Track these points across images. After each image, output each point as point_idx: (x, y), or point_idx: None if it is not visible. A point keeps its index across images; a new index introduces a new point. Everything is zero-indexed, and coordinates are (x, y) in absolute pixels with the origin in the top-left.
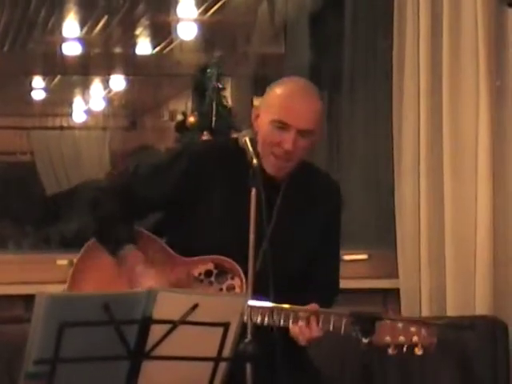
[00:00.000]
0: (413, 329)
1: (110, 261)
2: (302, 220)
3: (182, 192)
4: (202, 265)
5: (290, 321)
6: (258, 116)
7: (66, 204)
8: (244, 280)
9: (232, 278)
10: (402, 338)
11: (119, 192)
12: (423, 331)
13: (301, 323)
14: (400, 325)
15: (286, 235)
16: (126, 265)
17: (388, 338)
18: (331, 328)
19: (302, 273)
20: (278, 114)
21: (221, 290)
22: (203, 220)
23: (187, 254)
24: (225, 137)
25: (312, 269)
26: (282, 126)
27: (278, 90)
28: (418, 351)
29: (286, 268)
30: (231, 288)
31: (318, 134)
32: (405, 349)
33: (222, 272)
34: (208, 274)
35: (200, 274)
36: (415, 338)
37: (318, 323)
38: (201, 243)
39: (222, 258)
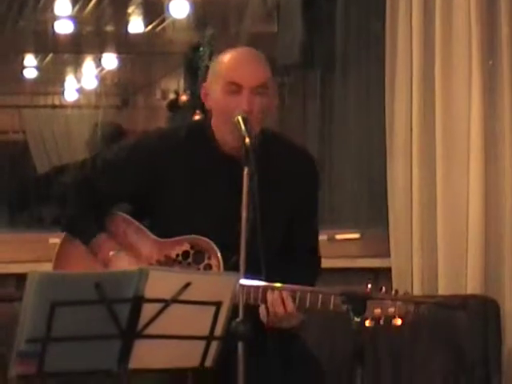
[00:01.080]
0: (388, 300)
1: (85, 250)
2: (277, 195)
3: (144, 183)
4: (179, 245)
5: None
6: (206, 94)
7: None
8: (221, 259)
9: (209, 258)
10: (377, 311)
11: (81, 188)
12: (399, 302)
13: (272, 297)
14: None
15: (262, 212)
16: (100, 253)
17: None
18: (319, 305)
19: (281, 248)
20: (228, 77)
21: (198, 270)
22: (175, 205)
23: (168, 236)
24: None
25: (292, 241)
26: (234, 89)
27: (222, 59)
28: (396, 322)
29: (266, 246)
30: (208, 268)
31: (273, 94)
32: (381, 321)
33: (198, 252)
34: (185, 254)
35: (177, 256)
36: (391, 310)
37: (293, 299)
38: (175, 228)
39: (197, 237)
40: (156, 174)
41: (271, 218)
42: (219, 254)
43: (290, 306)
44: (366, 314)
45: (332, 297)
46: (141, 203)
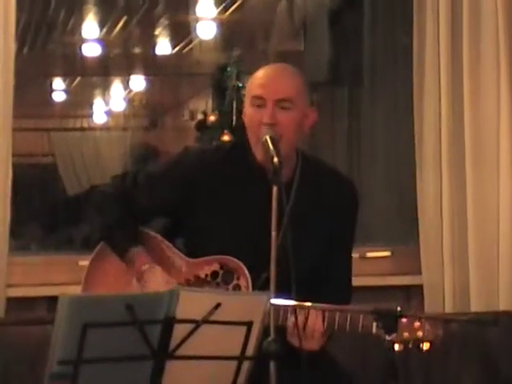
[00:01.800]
0: (417, 324)
1: (119, 263)
2: (314, 223)
3: (181, 200)
4: (208, 265)
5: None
6: (245, 112)
7: (85, 206)
8: (249, 280)
9: (238, 279)
10: (406, 334)
11: (120, 198)
12: (427, 325)
13: (299, 318)
14: (404, 320)
15: (297, 236)
16: (134, 267)
17: (393, 335)
18: (348, 327)
19: (314, 273)
20: (253, 91)
21: (227, 290)
22: (209, 224)
23: (200, 255)
24: (224, 142)
25: (324, 269)
26: (259, 103)
27: (254, 75)
28: (425, 346)
29: (296, 268)
30: (237, 288)
31: (304, 110)
32: (410, 345)
33: (227, 272)
34: (214, 274)
35: (207, 276)
36: (419, 333)
37: (323, 320)
38: (207, 247)
39: (227, 257)
40: (191, 191)
41: (306, 242)
42: (248, 275)
43: (319, 324)
44: (394, 338)
45: (361, 317)
46: (175, 219)
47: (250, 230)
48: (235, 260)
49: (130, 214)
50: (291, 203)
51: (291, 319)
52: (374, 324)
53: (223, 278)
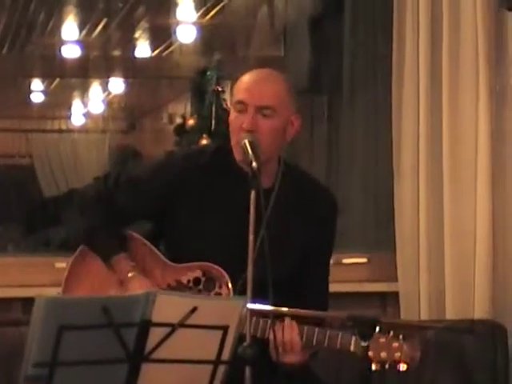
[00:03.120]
0: (395, 344)
1: (101, 266)
2: (292, 231)
3: (164, 202)
4: (191, 272)
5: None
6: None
7: (63, 208)
8: (231, 290)
9: (220, 287)
10: (383, 354)
11: (103, 201)
12: (405, 347)
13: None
14: (383, 340)
15: (275, 243)
16: (117, 272)
17: (371, 353)
18: (326, 343)
19: (289, 283)
20: (237, 95)
21: None
22: (191, 228)
23: (180, 261)
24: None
25: (301, 277)
26: (240, 107)
27: (240, 78)
28: (402, 367)
29: (274, 273)
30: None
31: (288, 117)
32: (387, 365)
33: (209, 279)
34: (196, 281)
35: (189, 282)
36: (397, 354)
37: (300, 333)
38: (188, 251)
39: (210, 265)
40: (175, 194)
41: (283, 248)
42: (230, 284)
43: (295, 337)
44: (372, 356)
45: (340, 335)
46: (159, 222)
47: (231, 233)
48: (218, 268)
49: (112, 217)
50: (269, 210)
51: (270, 335)
52: (353, 341)
53: (205, 286)
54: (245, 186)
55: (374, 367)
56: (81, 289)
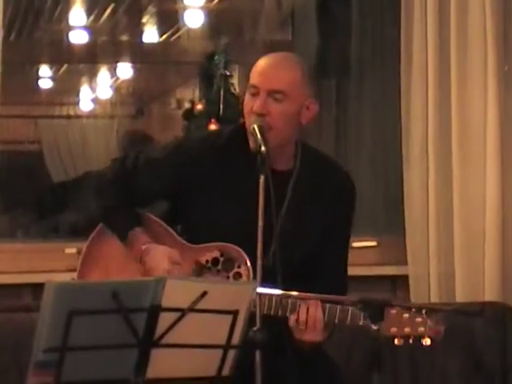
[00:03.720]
0: (419, 319)
1: (118, 246)
2: (311, 213)
3: (181, 184)
4: (209, 252)
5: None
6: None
7: (74, 192)
8: (251, 268)
9: (239, 267)
10: (407, 330)
11: (120, 181)
12: (429, 321)
13: (301, 312)
14: (406, 315)
15: (293, 227)
16: (133, 247)
17: (394, 329)
18: (336, 320)
19: (307, 265)
20: (251, 79)
21: (227, 278)
22: (207, 210)
23: (196, 243)
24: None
25: (318, 262)
26: (253, 91)
27: (257, 62)
28: (426, 342)
29: (291, 259)
30: (238, 276)
31: (301, 102)
32: (411, 340)
33: (228, 260)
34: (215, 261)
35: (207, 262)
36: (421, 329)
37: (323, 311)
38: (205, 233)
39: (228, 245)
40: (192, 177)
41: (303, 231)
42: (249, 263)
43: (320, 315)
44: (395, 332)
45: (361, 314)
46: (176, 204)
47: (247, 217)
48: (237, 248)
49: (129, 197)
50: (290, 193)
51: (292, 316)
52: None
53: (224, 266)
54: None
55: (396, 342)
56: (96, 271)
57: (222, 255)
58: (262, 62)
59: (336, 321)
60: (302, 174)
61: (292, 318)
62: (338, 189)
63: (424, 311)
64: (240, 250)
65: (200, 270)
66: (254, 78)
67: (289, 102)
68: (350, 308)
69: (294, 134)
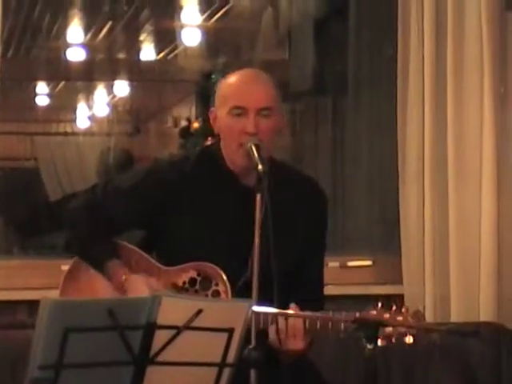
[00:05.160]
0: (400, 318)
1: (95, 279)
2: (285, 228)
3: (152, 210)
4: (185, 273)
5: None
6: (215, 117)
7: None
8: (228, 285)
9: (216, 285)
10: (389, 329)
11: (91, 211)
12: (410, 319)
13: (280, 320)
14: (387, 315)
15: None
16: (114, 278)
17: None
18: (318, 326)
19: (286, 278)
20: (233, 100)
21: (206, 296)
22: (181, 232)
23: (174, 265)
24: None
25: (298, 272)
26: (239, 112)
27: (227, 81)
28: (409, 340)
29: (269, 273)
30: (216, 294)
31: (280, 116)
32: (394, 339)
33: (205, 279)
34: (192, 282)
35: (184, 283)
36: (402, 328)
37: (304, 323)
38: (184, 256)
39: (203, 263)
40: (165, 202)
41: (282, 247)
42: (226, 280)
43: (299, 321)
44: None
45: (342, 324)
46: (150, 231)
47: (225, 235)
48: (212, 266)
49: (102, 227)
50: (263, 209)
51: (273, 325)
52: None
53: (201, 285)
54: (234, 186)
55: (379, 343)
56: (79, 294)
57: (198, 274)
58: (240, 82)
59: (317, 327)
60: (274, 188)
61: (272, 329)
62: (309, 200)
63: (404, 308)
64: (215, 267)
65: (177, 293)
66: (238, 99)
67: (274, 117)
68: (332, 314)
69: (272, 149)
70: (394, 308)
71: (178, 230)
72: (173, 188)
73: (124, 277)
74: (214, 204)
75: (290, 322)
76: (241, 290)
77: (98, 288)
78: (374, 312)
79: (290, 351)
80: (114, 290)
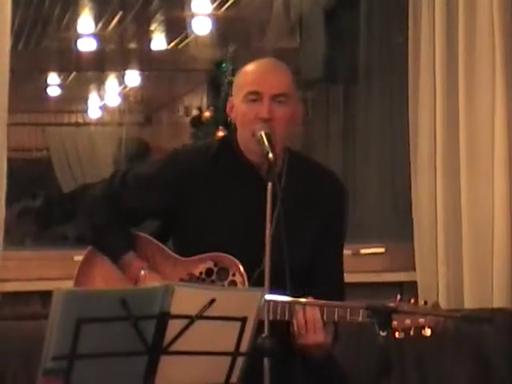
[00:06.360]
0: (413, 309)
1: (110, 269)
2: (302, 219)
3: (171, 200)
4: (202, 263)
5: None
6: (232, 106)
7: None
8: (245, 275)
9: (233, 275)
10: (408, 321)
11: (109, 201)
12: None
13: (299, 316)
14: (405, 307)
15: (288, 232)
16: (128, 272)
17: (394, 323)
18: (336, 317)
19: (304, 270)
20: (248, 86)
21: (222, 286)
22: (201, 220)
23: (191, 254)
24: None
25: (316, 266)
26: (254, 97)
27: (244, 70)
28: (426, 332)
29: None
30: (233, 285)
31: (296, 105)
32: (412, 331)
33: (222, 269)
34: (209, 272)
35: (201, 273)
36: (421, 320)
37: (322, 315)
38: (201, 245)
39: (220, 254)
40: (183, 192)
41: (297, 237)
42: (243, 270)
43: (317, 315)
44: (396, 325)
45: (361, 310)
46: (168, 220)
47: (242, 225)
48: (229, 256)
49: (120, 217)
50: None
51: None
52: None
53: (218, 275)
54: (252, 176)
55: (397, 335)
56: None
57: (215, 265)
58: (255, 69)
59: (335, 318)
60: (291, 179)
61: (293, 325)
62: (328, 192)
63: (423, 301)
64: (232, 257)
65: (191, 282)
66: (254, 84)
67: (290, 104)
68: (350, 305)
69: (289, 139)
70: (412, 300)
71: (196, 219)
72: (192, 177)
73: (142, 272)
74: (232, 194)
75: (307, 316)
76: (256, 281)
77: (112, 277)
78: (392, 304)
79: (312, 346)
80: (128, 282)
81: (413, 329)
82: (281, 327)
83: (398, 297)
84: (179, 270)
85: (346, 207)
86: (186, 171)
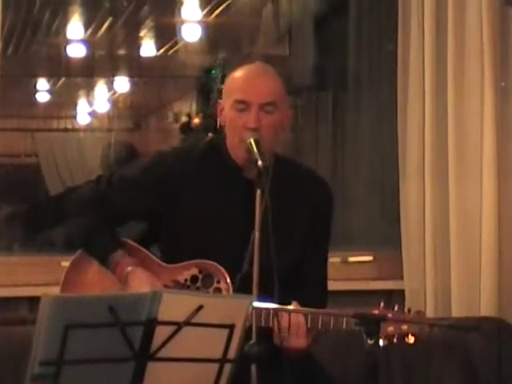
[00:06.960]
0: (402, 317)
1: (97, 273)
2: (288, 222)
3: (157, 202)
4: (187, 270)
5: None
6: (222, 109)
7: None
8: (230, 283)
9: (218, 282)
10: (390, 329)
11: (96, 202)
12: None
13: (283, 318)
14: (389, 315)
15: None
16: (116, 270)
17: (375, 340)
18: (319, 325)
19: (290, 274)
20: (236, 94)
21: (207, 293)
22: (184, 227)
23: (177, 262)
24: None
25: (300, 271)
26: (242, 106)
27: (234, 75)
28: (409, 340)
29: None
30: (218, 292)
31: (285, 111)
32: (395, 339)
33: (207, 276)
34: (194, 279)
35: (186, 280)
36: (404, 327)
37: (305, 317)
38: (186, 250)
39: (205, 261)
40: (168, 193)
41: (283, 242)
42: (228, 278)
43: (302, 319)
44: (379, 333)
45: (344, 318)
46: (154, 222)
47: (226, 230)
48: (214, 263)
49: (107, 218)
50: (265, 204)
51: (275, 321)
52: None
53: (203, 282)
54: (238, 181)
55: (381, 343)
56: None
57: (200, 272)
58: (244, 75)
59: (319, 326)
60: (278, 184)
61: (275, 327)
62: (315, 196)
63: (406, 309)
64: (216, 264)
65: (177, 289)
66: (242, 92)
67: (277, 112)
68: (334, 312)
69: (277, 145)
70: (395, 307)
71: (180, 220)
72: (178, 179)
73: (130, 268)
74: (217, 195)
75: (292, 320)
76: (238, 286)
77: (99, 281)
78: (376, 311)
79: (292, 349)
80: (116, 282)
81: (396, 336)
82: (268, 334)
83: (382, 304)
84: (164, 276)
85: (332, 213)
86: (172, 172)
